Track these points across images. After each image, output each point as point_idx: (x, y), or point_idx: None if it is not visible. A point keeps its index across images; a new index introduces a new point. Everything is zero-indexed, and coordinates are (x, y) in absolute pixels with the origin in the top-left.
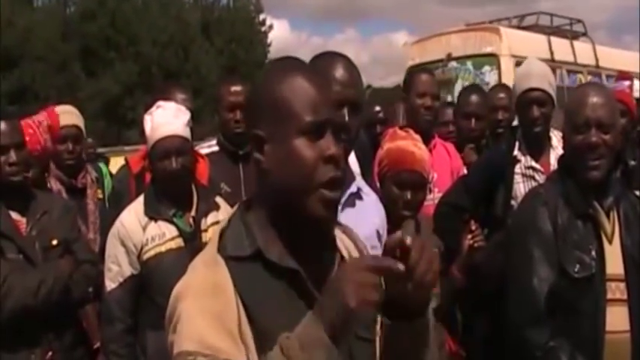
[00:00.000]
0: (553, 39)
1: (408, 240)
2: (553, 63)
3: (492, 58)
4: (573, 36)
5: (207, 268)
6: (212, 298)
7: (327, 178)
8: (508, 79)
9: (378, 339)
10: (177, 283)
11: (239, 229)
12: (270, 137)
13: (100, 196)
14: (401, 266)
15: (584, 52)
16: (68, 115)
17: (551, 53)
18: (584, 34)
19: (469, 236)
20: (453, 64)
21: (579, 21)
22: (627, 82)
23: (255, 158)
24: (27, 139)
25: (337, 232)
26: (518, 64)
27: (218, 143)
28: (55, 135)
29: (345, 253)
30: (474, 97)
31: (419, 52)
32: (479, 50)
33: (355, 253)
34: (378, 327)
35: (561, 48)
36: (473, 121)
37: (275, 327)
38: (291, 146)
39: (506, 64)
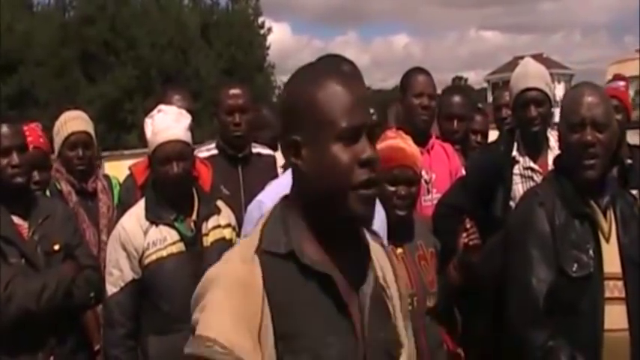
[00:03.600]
0: None
1: None
2: None
3: None
4: None
5: (243, 264)
6: (241, 296)
7: (364, 180)
8: None
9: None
10: (213, 267)
11: (277, 225)
12: (306, 142)
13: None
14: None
15: None
16: (78, 121)
17: None
18: None
19: (464, 234)
20: None
21: None
22: (622, 83)
23: (292, 162)
24: (29, 139)
25: (374, 245)
26: None
27: (217, 146)
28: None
29: (379, 272)
30: (456, 99)
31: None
32: None
33: (389, 272)
34: (401, 341)
35: None
36: (455, 122)
37: (301, 329)
38: (328, 151)
39: None
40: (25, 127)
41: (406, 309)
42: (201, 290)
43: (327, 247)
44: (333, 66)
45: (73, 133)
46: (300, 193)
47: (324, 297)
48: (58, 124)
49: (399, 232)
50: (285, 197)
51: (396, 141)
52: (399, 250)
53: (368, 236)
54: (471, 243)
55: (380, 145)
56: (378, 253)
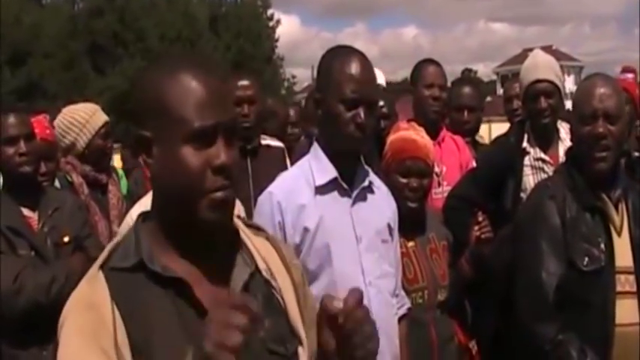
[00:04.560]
0: None
1: (340, 309)
2: None
3: None
4: None
5: (86, 284)
6: (87, 315)
7: (215, 188)
8: None
9: (303, 353)
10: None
11: (130, 241)
12: (157, 140)
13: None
14: (258, 313)
15: None
16: (101, 112)
17: None
18: None
19: (476, 227)
20: None
21: None
22: (631, 75)
23: (144, 161)
24: (36, 130)
25: (256, 240)
26: None
27: None
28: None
29: (261, 265)
30: (466, 90)
31: None
32: None
33: (277, 264)
34: (301, 340)
35: None
36: (465, 113)
37: (156, 341)
38: (177, 153)
39: None
40: (33, 119)
41: (308, 297)
42: (59, 326)
43: (186, 252)
44: (191, 59)
45: (105, 124)
46: (154, 194)
47: (182, 304)
48: (82, 115)
49: (411, 225)
50: (143, 212)
51: (409, 132)
52: (411, 244)
53: (247, 231)
54: (483, 236)
55: (392, 137)
56: (259, 246)
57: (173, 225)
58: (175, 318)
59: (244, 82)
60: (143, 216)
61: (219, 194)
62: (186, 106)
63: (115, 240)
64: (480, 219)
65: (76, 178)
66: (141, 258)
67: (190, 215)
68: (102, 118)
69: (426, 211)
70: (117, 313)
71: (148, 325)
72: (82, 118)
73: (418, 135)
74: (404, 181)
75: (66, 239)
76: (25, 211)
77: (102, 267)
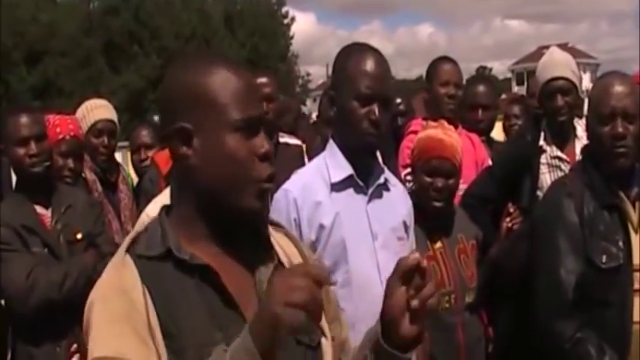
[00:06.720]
0: None
1: (424, 262)
2: None
3: None
4: None
5: (114, 270)
6: (118, 299)
7: (265, 176)
8: None
9: (327, 344)
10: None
11: (155, 231)
12: (198, 130)
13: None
14: (333, 280)
15: None
16: (104, 109)
17: None
18: None
19: (507, 219)
20: None
21: None
22: None
23: (180, 153)
24: (59, 129)
25: (277, 235)
26: None
27: None
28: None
29: (284, 259)
30: (480, 88)
31: None
32: None
33: (297, 259)
34: (324, 332)
35: None
36: (480, 111)
37: (184, 327)
38: (224, 143)
39: None
40: (57, 118)
41: (330, 292)
42: (85, 316)
43: (213, 243)
44: (226, 56)
45: (99, 121)
46: (185, 190)
47: (209, 291)
48: (82, 111)
49: (437, 225)
50: (165, 206)
51: (436, 131)
52: (438, 245)
53: (269, 227)
54: (515, 227)
55: (419, 135)
56: (282, 241)
57: (205, 215)
58: (202, 305)
59: (263, 80)
60: (165, 210)
61: (266, 185)
62: (233, 97)
63: (136, 230)
64: (512, 210)
65: (89, 175)
66: (168, 247)
67: (234, 203)
68: (98, 114)
69: (454, 211)
70: (148, 296)
71: (176, 310)
72: (80, 114)
73: (446, 134)
74: (429, 180)
75: (79, 236)
76: (38, 209)
77: (127, 253)
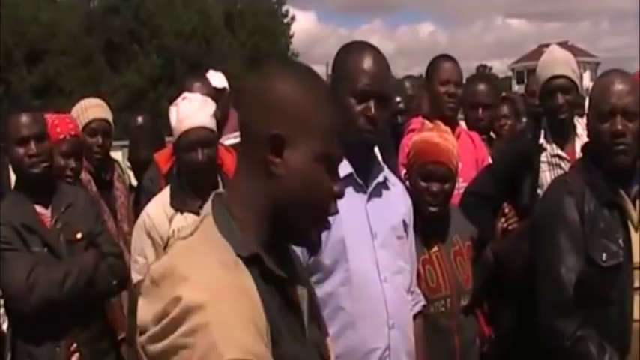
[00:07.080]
0: None
1: None
2: None
3: None
4: None
5: (226, 269)
6: (241, 299)
7: (331, 214)
8: None
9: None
10: (184, 287)
11: (230, 226)
12: (292, 143)
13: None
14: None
15: None
16: (98, 108)
17: None
18: None
19: (503, 219)
20: None
21: None
22: None
23: (268, 159)
24: (59, 129)
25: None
26: None
27: None
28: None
29: (303, 273)
30: (480, 87)
31: None
32: None
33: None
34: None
35: None
36: (480, 110)
37: (279, 334)
38: (313, 168)
39: None
40: (56, 117)
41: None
42: (181, 314)
43: (267, 251)
44: (316, 74)
45: (94, 120)
46: (263, 192)
47: (283, 301)
48: (77, 110)
49: (432, 229)
50: (226, 195)
51: (432, 134)
52: (434, 249)
53: None
54: (510, 228)
55: (415, 139)
56: (294, 253)
57: (271, 223)
58: (284, 314)
59: None
60: (228, 199)
61: (328, 225)
62: (332, 130)
63: (208, 219)
64: (507, 210)
65: (84, 175)
66: (255, 252)
67: (303, 229)
68: (92, 114)
69: (449, 215)
70: (260, 302)
71: (270, 319)
72: (75, 113)
73: (442, 137)
74: (425, 185)
75: (79, 235)
76: (38, 208)
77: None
